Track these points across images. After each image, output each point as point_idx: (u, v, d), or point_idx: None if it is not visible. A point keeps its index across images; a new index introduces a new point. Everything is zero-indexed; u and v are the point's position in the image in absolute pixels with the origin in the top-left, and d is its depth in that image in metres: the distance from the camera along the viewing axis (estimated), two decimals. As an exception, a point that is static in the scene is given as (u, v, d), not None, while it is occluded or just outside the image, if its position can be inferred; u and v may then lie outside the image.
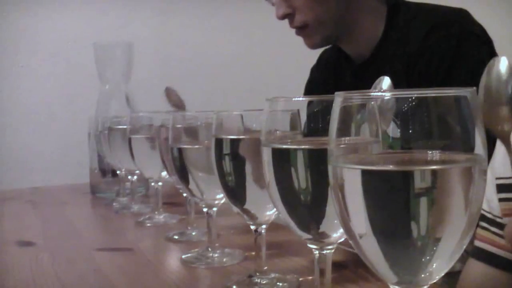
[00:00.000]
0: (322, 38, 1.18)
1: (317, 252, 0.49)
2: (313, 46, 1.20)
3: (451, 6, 1.14)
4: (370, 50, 1.17)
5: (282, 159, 0.48)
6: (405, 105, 0.34)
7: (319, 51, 1.40)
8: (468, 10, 1.11)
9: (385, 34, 1.15)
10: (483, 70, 1.14)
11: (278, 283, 0.62)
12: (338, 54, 1.28)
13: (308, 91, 1.39)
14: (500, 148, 0.74)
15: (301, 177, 0.46)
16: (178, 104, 1.33)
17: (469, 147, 0.35)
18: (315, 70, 1.40)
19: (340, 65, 1.28)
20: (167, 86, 1.30)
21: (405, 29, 1.12)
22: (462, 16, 1.10)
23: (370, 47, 1.16)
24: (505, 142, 0.46)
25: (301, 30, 1.17)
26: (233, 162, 0.59)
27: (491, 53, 1.09)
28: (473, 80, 1.11)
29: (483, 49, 1.06)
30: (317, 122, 0.48)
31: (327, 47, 1.36)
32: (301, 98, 0.51)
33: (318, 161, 0.45)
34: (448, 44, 1.06)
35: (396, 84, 1.10)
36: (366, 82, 1.17)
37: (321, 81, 1.34)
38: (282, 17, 1.16)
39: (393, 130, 0.35)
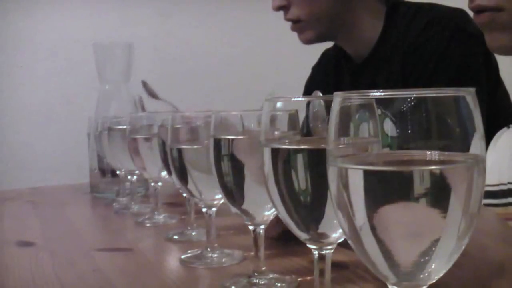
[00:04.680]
0: (315, 34, 1.17)
1: (316, 252, 0.49)
2: (306, 41, 1.19)
3: (451, 6, 1.14)
4: (368, 50, 1.17)
5: (281, 159, 0.48)
6: (404, 105, 0.34)
7: (319, 50, 1.40)
8: (466, 11, 1.11)
9: (384, 34, 1.15)
10: (479, 70, 1.14)
11: (276, 283, 0.62)
12: (339, 54, 1.28)
13: (308, 89, 1.39)
14: (489, 157, 0.75)
15: (300, 177, 0.46)
16: (152, 94, 1.36)
17: (468, 147, 0.35)
18: (316, 69, 1.40)
19: (340, 65, 1.28)
20: (142, 79, 1.34)
21: (403, 29, 1.12)
22: (458, 15, 1.11)
23: (368, 46, 1.17)
24: None
25: (295, 24, 1.17)
26: (232, 162, 0.59)
27: (487, 54, 1.09)
28: (460, 78, 1.11)
29: (477, 49, 1.06)
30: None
31: (329, 47, 1.37)
32: (300, 98, 0.51)
33: (317, 161, 0.45)
34: (439, 40, 1.06)
35: (393, 84, 1.10)
36: (365, 81, 1.18)
37: (322, 80, 1.34)
38: (277, 9, 1.17)
39: (392, 129, 0.35)
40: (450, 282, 0.45)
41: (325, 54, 1.39)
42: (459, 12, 1.11)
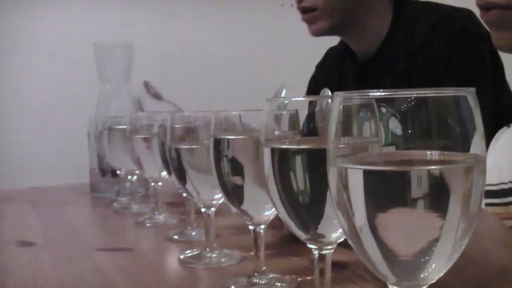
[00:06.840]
0: (328, 25, 1.14)
1: (316, 252, 0.49)
2: (318, 32, 1.16)
3: (458, 6, 1.14)
4: (374, 48, 1.16)
5: (282, 159, 0.48)
6: (405, 105, 0.34)
7: (322, 49, 1.40)
8: (473, 11, 1.11)
9: (390, 33, 1.15)
10: (485, 70, 1.14)
11: (276, 283, 0.62)
12: (343, 52, 1.27)
13: (311, 88, 1.38)
14: (490, 156, 0.75)
15: (300, 177, 0.46)
16: (156, 95, 1.36)
17: (469, 147, 0.35)
18: (320, 67, 1.39)
19: (345, 64, 1.27)
20: (145, 80, 1.35)
21: (409, 28, 1.12)
22: (465, 15, 1.10)
23: (375, 45, 1.16)
24: None
25: (309, 13, 1.14)
26: (232, 162, 0.59)
27: (493, 54, 1.09)
28: (467, 78, 1.11)
29: (484, 49, 1.06)
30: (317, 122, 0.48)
31: (333, 45, 1.36)
32: (301, 98, 0.51)
33: (317, 161, 0.45)
34: (446, 41, 1.06)
35: (398, 83, 1.10)
36: (369, 81, 1.18)
37: (325, 79, 1.33)
38: None
39: (394, 127, 0.35)
40: (451, 284, 0.45)
41: (330, 53, 1.38)
42: (466, 12, 1.11)
